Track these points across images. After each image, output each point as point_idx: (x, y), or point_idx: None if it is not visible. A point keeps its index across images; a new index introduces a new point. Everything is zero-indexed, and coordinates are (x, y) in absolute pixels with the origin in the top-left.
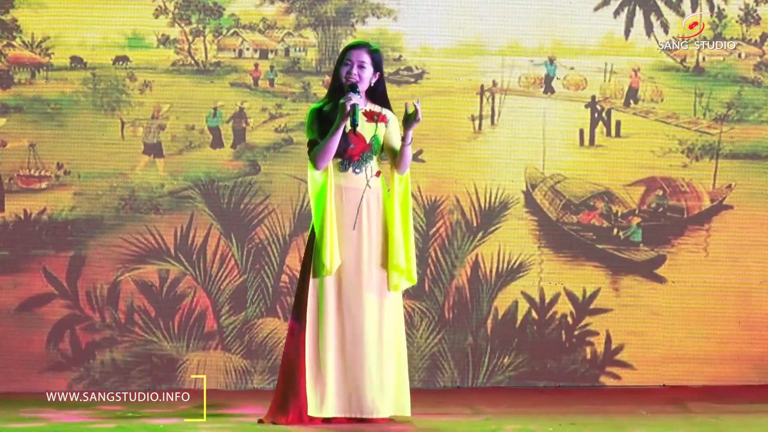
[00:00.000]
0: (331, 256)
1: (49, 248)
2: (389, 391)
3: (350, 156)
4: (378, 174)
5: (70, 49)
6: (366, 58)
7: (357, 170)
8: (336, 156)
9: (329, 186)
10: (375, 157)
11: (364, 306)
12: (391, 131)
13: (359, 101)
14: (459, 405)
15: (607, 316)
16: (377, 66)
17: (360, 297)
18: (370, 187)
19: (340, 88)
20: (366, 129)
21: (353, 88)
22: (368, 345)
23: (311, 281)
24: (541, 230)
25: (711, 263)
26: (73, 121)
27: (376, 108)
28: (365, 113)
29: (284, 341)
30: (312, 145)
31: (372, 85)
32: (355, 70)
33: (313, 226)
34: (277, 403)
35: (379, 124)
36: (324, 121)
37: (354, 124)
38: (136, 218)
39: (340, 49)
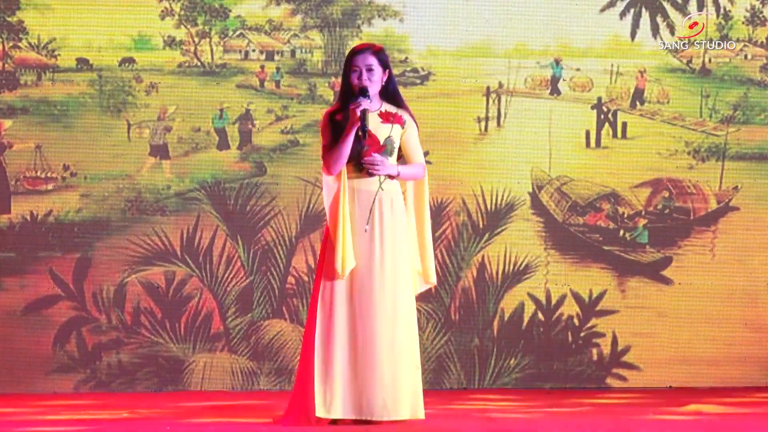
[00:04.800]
0: (343, 261)
1: (55, 250)
2: (403, 394)
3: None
4: (392, 177)
5: (77, 51)
6: (372, 60)
7: (371, 173)
8: (350, 158)
9: (343, 190)
10: (390, 159)
11: (377, 308)
12: (409, 136)
13: (369, 106)
14: (465, 406)
15: (613, 317)
16: (385, 65)
17: (372, 299)
18: (383, 189)
19: (350, 93)
20: (380, 130)
21: (363, 92)
22: (380, 347)
23: (324, 283)
24: (547, 232)
25: (717, 265)
26: (80, 123)
27: (392, 109)
28: (381, 114)
29: (291, 343)
30: (326, 150)
31: (383, 83)
32: (364, 75)
33: (328, 230)
34: (291, 403)
35: (394, 125)
36: (337, 127)
37: (364, 130)
38: (142, 220)
39: (346, 52)
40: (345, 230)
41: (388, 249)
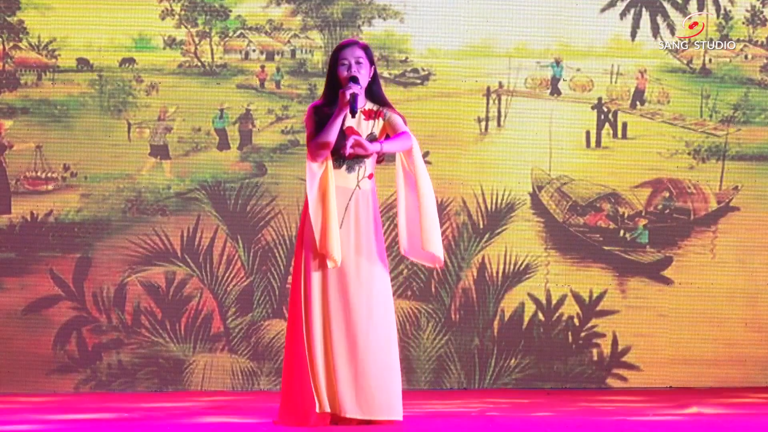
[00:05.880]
0: (338, 248)
1: (55, 250)
2: (377, 393)
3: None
4: (371, 176)
5: (77, 51)
6: (361, 54)
7: (350, 169)
8: (331, 153)
9: (329, 179)
10: (370, 158)
11: (351, 308)
12: (390, 120)
13: (359, 91)
14: (465, 406)
15: (613, 317)
16: (371, 61)
17: (347, 298)
18: (360, 188)
19: (338, 87)
20: (363, 127)
21: (354, 79)
22: (353, 346)
23: (302, 278)
24: (547, 232)
25: (718, 265)
26: (80, 123)
27: (375, 107)
28: (364, 112)
29: None
30: (311, 139)
31: (369, 79)
32: (354, 68)
33: (303, 224)
34: (284, 401)
35: (376, 120)
36: (322, 118)
37: (353, 110)
38: (142, 220)
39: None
40: (333, 216)
41: (364, 248)
